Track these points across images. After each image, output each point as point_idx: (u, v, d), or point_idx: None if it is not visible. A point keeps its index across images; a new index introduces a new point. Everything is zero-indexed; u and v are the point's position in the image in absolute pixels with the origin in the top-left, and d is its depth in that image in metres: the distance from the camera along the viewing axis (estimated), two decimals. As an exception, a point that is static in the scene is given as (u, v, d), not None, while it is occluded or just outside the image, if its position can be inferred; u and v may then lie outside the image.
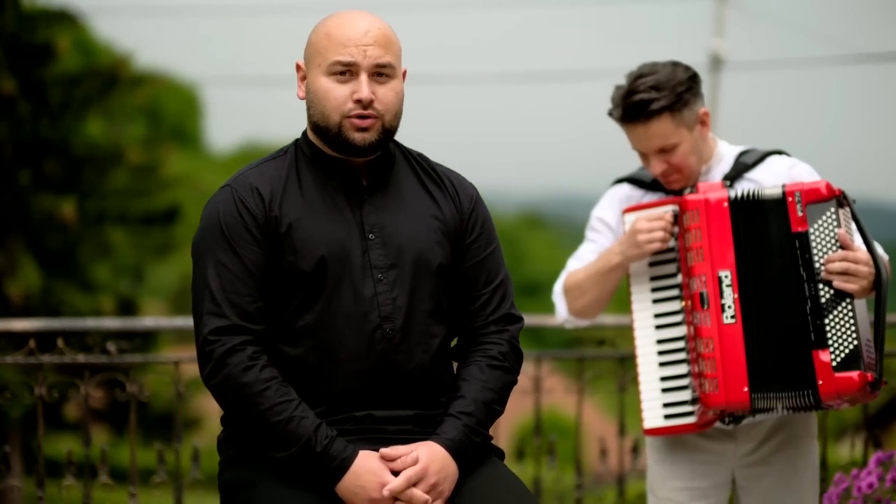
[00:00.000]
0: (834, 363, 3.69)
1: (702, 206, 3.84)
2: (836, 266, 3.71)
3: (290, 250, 3.17)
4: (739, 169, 4.02)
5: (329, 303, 3.17)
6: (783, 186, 3.80)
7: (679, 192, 4.01)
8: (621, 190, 4.17)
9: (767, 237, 3.79)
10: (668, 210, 3.93)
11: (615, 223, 4.12)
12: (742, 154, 4.06)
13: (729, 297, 3.79)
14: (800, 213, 3.75)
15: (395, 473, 3.10)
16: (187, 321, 6.01)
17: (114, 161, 19.27)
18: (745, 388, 3.76)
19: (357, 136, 3.18)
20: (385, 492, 3.07)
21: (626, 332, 5.61)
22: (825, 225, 3.75)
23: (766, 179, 3.97)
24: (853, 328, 3.70)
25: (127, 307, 19.30)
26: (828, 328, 3.71)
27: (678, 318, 3.93)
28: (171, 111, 37.72)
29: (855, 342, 3.69)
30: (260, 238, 3.17)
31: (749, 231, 3.81)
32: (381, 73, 3.20)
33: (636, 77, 3.95)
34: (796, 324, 3.75)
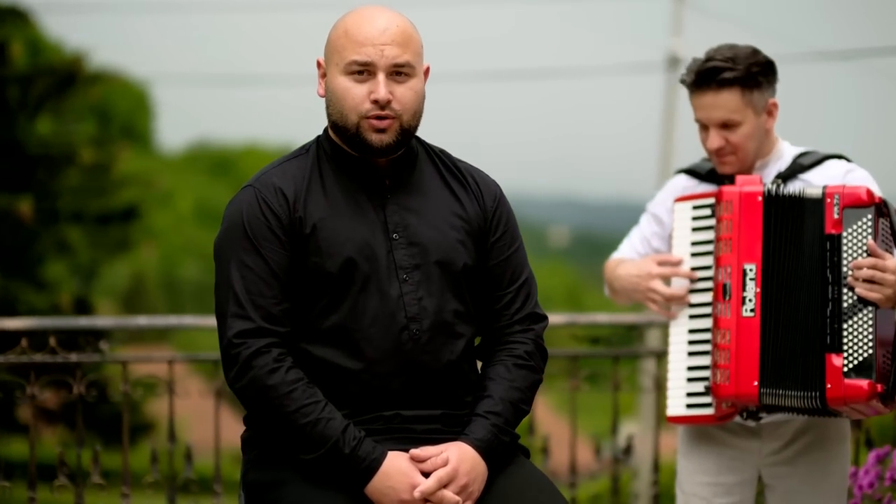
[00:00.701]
0: (845, 368, 3.67)
1: (735, 198, 3.83)
2: (864, 273, 3.70)
3: (315, 251, 3.15)
4: (795, 169, 4.00)
5: (355, 304, 3.15)
6: (824, 187, 3.79)
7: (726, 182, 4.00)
8: (678, 181, 4.17)
9: (799, 235, 3.78)
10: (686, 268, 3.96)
11: (667, 215, 4.12)
12: (801, 155, 4.04)
13: (751, 290, 3.78)
14: (836, 216, 3.74)
15: (426, 474, 3.08)
16: (165, 320, 6.00)
17: (66, 160, 19.18)
18: (755, 383, 3.75)
19: (374, 137, 3.15)
20: (416, 493, 3.05)
21: (618, 330, 5.63)
22: (860, 231, 3.73)
23: (819, 181, 3.93)
24: (870, 337, 3.68)
25: (82, 306, 19.16)
26: (845, 333, 3.69)
27: (709, 309, 3.92)
28: (121, 110, 37.50)
29: (870, 351, 3.68)
30: (284, 239, 3.15)
31: (780, 227, 3.80)
32: (399, 72, 3.16)
33: (716, 49, 3.94)
34: (814, 325, 3.74)
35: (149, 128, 41.58)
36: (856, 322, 3.70)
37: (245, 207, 3.18)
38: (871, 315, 3.69)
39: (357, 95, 3.15)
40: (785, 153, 4.05)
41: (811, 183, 3.93)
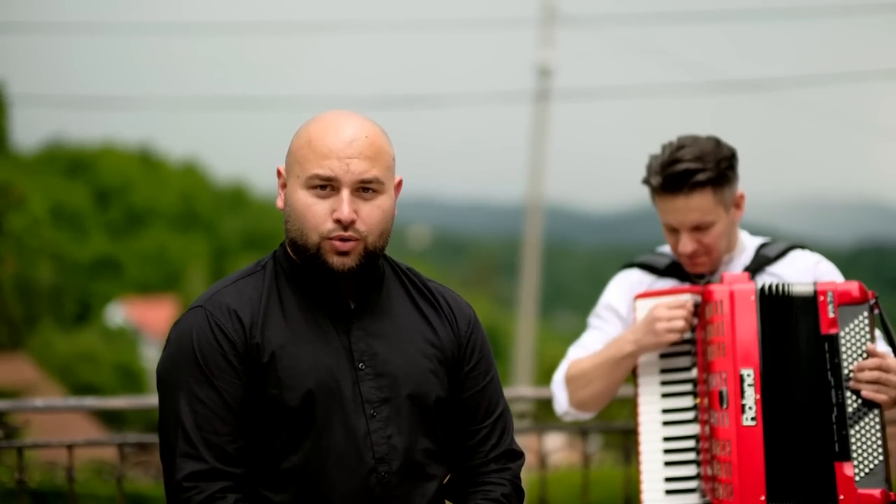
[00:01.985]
0: (857, 477, 3.47)
1: (727, 298, 3.57)
2: (868, 375, 3.49)
3: (273, 382, 2.82)
4: (761, 261, 3.80)
5: (318, 442, 2.82)
6: (814, 284, 3.58)
7: (694, 280, 3.77)
8: (631, 275, 3.91)
9: (794, 337, 3.55)
10: (687, 298, 3.67)
11: (625, 311, 3.85)
12: (763, 246, 3.85)
13: (750, 397, 3.52)
14: (831, 315, 3.53)
15: None
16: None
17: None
18: (763, 498, 3.48)
19: (336, 260, 2.85)
20: None
21: (628, 403, 5.29)
22: (857, 329, 3.53)
23: (790, 275, 3.76)
24: (879, 441, 3.49)
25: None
26: (853, 440, 3.49)
27: (689, 415, 3.66)
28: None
29: (880, 457, 3.47)
30: (240, 368, 2.83)
31: (776, 328, 3.56)
32: (366, 188, 2.86)
33: (678, 147, 3.70)
34: (820, 432, 3.50)
35: (1, 127, 40.36)
36: (863, 427, 3.49)
37: (195, 331, 2.84)
38: (877, 418, 3.50)
39: (318, 213, 2.84)
40: (747, 244, 3.86)
41: (782, 276, 3.74)
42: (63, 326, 37.11)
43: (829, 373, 3.51)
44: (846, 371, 3.51)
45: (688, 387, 3.67)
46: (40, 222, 41.73)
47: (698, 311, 3.64)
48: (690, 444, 3.64)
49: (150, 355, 38.88)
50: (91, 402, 5.14)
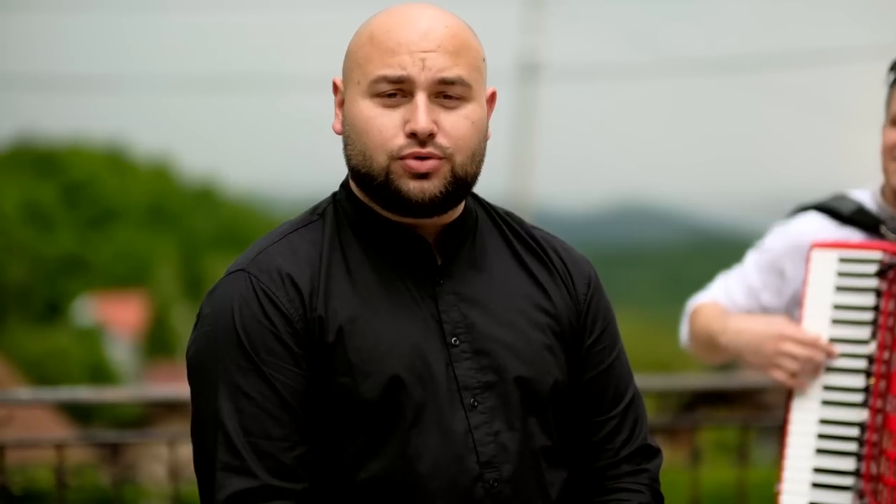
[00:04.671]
0: None
1: None
2: None
3: (344, 368, 2.15)
4: None
5: (406, 444, 2.16)
6: None
7: (884, 235, 3.14)
8: (809, 221, 3.26)
9: None
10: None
11: (792, 265, 3.23)
12: None
13: None
14: None
15: None
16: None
17: None
18: None
19: (412, 186, 2.16)
20: None
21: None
22: None
23: None
24: None
25: None
26: None
27: (858, 397, 3.02)
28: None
29: None
30: (298, 352, 2.16)
31: None
32: (448, 93, 2.18)
33: None
34: None
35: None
36: None
37: (238, 304, 2.16)
38: None
39: (386, 126, 2.16)
40: None
41: None
42: (32, 324, 36.56)
43: None
44: None
45: (861, 363, 3.03)
46: (10, 220, 41.16)
47: (888, 275, 3.03)
48: (854, 431, 3.01)
49: (118, 354, 38.36)
50: (85, 393, 4.57)
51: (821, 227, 3.23)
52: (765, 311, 3.27)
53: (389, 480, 2.15)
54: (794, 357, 3.06)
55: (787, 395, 3.14)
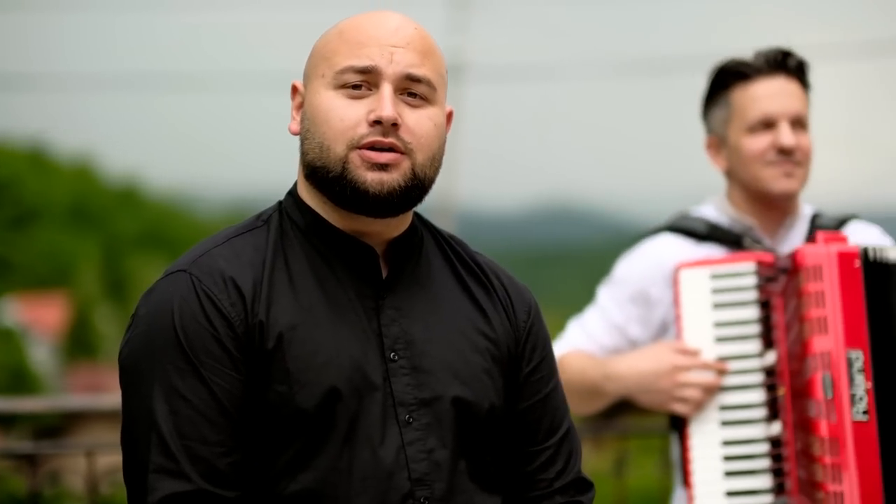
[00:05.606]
0: None
1: (827, 262, 2.90)
2: None
3: (281, 376, 2.11)
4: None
5: (338, 458, 2.12)
6: None
7: (747, 246, 3.11)
8: (663, 244, 3.21)
9: (892, 309, 2.91)
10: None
11: (658, 289, 3.16)
12: (816, 216, 3.27)
13: (860, 385, 2.85)
14: None
15: None
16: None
17: None
18: None
19: (371, 178, 2.12)
20: None
21: None
22: None
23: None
24: None
25: None
26: None
27: (759, 412, 3.01)
28: None
29: None
30: (238, 356, 2.11)
31: (878, 301, 2.90)
32: (413, 91, 2.16)
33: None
34: None
35: None
36: None
37: (178, 304, 2.12)
38: None
39: (349, 116, 2.14)
40: (804, 212, 3.26)
41: None
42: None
43: None
44: None
45: (757, 377, 3.02)
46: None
47: (776, 282, 3.01)
48: (762, 448, 3.00)
49: (39, 355, 37.92)
50: (2, 404, 4.48)
51: (679, 247, 3.18)
52: (634, 345, 3.20)
53: (319, 494, 2.11)
54: (695, 385, 3.01)
55: (674, 422, 3.09)
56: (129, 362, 2.14)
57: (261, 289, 2.14)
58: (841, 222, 3.24)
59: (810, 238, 3.18)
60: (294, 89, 2.24)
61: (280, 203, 2.27)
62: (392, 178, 2.13)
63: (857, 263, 2.90)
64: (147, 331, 2.13)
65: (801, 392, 2.94)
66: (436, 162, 2.19)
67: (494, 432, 2.25)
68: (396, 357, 2.18)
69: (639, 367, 3.08)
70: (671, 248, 3.19)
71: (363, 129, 2.13)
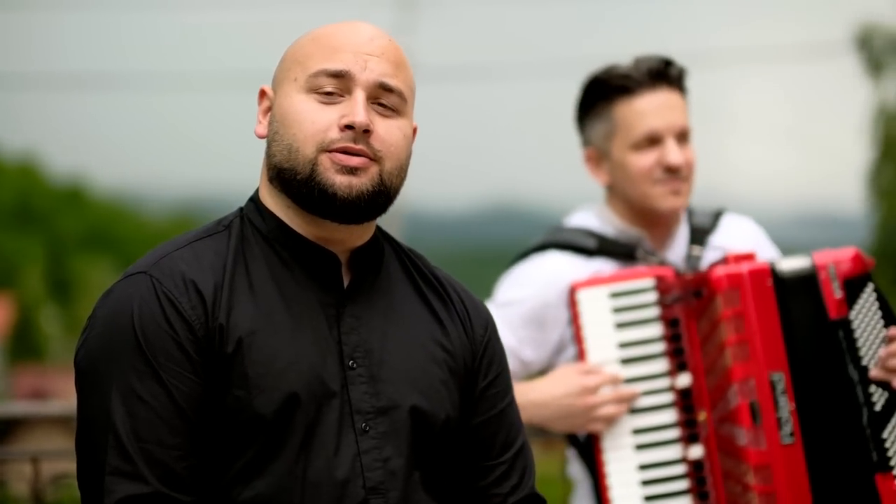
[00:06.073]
0: None
1: (742, 283, 2.89)
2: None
3: (239, 381, 2.11)
4: (700, 234, 3.16)
5: (294, 464, 2.11)
6: (810, 257, 2.94)
7: (640, 259, 3.07)
8: (552, 261, 3.11)
9: (802, 326, 2.90)
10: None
11: (554, 311, 3.06)
12: (690, 214, 3.21)
13: (784, 408, 2.86)
14: (837, 294, 2.90)
15: None
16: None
17: None
18: None
19: (340, 181, 2.13)
20: None
21: None
22: (866, 308, 2.91)
23: (736, 246, 3.10)
24: None
25: None
26: (887, 444, 2.87)
27: (672, 433, 2.97)
28: None
29: None
30: (198, 359, 2.11)
31: (794, 318, 2.90)
32: (384, 101, 2.19)
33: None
34: (855, 440, 2.87)
35: None
36: (895, 426, 2.87)
37: (137, 305, 2.11)
38: None
39: (320, 119, 2.15)
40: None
41: (726, 249, 3.08)
42: None
43: (851, 366, 2.88)
44: (864, 361, 2.89)
45: (667, 397, 2.97)
46: None
47: (685, 301, 2.97)
48: (680, 469, 2.97)
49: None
50: None
51: (569, 264, 3.10)
52: (526, 367, 3.12)
53: (273, 500, 2.11)
54: (607, 402, 2.97)
55: (573, 440, 3.04)
56: (86, 364, 2.13)
57: (221, 293, 2.14)
58: (715, 217, 3.21)
59: (694, 239, 3.15)
60: (262, 93, 2.25)
61: (241, 209, 2.27)
62: (361, 183, 2.15)
63: (769, 282, 2.90)
64: (105, 332, 2.12)
65: (727, 418, 2.92)
66: (402, 173, 2.22)
67: (448, 444, 2.26)
68: (355, 365, 2.18)
69: (549, 395, 2.99)
70: (561, 266, 3.10)
71: (334, 133, 2.14)
